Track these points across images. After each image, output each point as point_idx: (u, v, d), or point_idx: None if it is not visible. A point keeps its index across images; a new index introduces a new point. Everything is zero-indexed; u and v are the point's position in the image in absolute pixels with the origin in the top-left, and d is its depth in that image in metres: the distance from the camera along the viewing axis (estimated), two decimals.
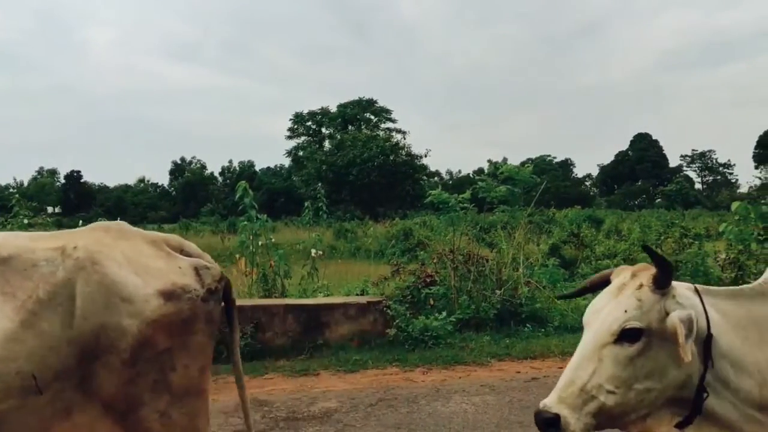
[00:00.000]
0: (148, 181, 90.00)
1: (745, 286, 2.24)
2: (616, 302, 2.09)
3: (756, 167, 69.57)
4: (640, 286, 2.08)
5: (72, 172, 79.36)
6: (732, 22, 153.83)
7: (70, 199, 72.85)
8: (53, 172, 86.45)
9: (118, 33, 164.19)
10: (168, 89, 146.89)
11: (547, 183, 12.57)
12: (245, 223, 9.80)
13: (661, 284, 2.06)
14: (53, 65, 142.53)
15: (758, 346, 2.12)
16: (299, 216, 28.46)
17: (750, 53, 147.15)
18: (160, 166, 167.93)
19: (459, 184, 57.30)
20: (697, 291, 2.14)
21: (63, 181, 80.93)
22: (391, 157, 50.90)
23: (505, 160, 53.69)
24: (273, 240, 10.38)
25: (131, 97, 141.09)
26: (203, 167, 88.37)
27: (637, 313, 2.03)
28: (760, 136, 70.96)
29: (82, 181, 79.49)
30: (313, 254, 10.36)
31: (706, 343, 2.04)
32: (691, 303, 2.08)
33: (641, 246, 2.14)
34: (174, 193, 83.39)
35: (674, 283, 2.15)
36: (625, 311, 2.04)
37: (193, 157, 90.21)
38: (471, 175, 69.09)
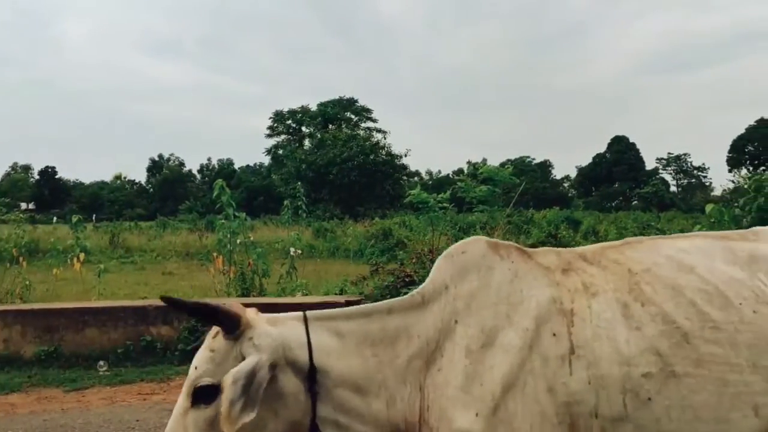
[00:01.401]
0: (124, 177, 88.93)
1: (395, 299, 2.09)
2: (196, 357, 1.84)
3: (729, 171, 70.84)
4: (216, 333, 1.84)
5: (46, 167, 78.24)
6: (708, 27, 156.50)
7: (44, 196, 71.71)
8: (27, 168, 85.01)
9: (95, 27, 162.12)
10: (146, 85, 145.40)
11: (526, 184, 12.65)
12: (223, 221, 9.73)
13: (227, 330, 1.80)
14: (28, 59, 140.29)
15: (388, 362, 1.94)
16: (278, 215, 28.34)
17: (725, 58, 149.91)
18: (137, 163, 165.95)
19: (439, 184, 57.42)
20: (305, 319, 1.94)
21: (37, 177, 79.64)
22: (371, 157, 50.81)
23: (484, 160, 54.04)
24: (251, 238, 10.33)
25: (108, 92, 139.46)
26: (182, 164, 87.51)
27: (210, 367, 1.78)
28: (734, 140, 72.26)
29: (56, 177, 78.30)
30: (291, 253, 10.33)
31: (311, 377, 1.84)
32: (279, 338, 1.85)
33: (161, 298, 1.84)
34: (151, 190, 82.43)
35: (279, 315, 1.97)
36: (196, 368, 1.80)
37: (172, 154, 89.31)
38: (450, 176, 69.36)
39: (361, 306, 2.05)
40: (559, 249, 2.25)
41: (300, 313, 1.97)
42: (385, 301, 2.07)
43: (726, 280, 2.07)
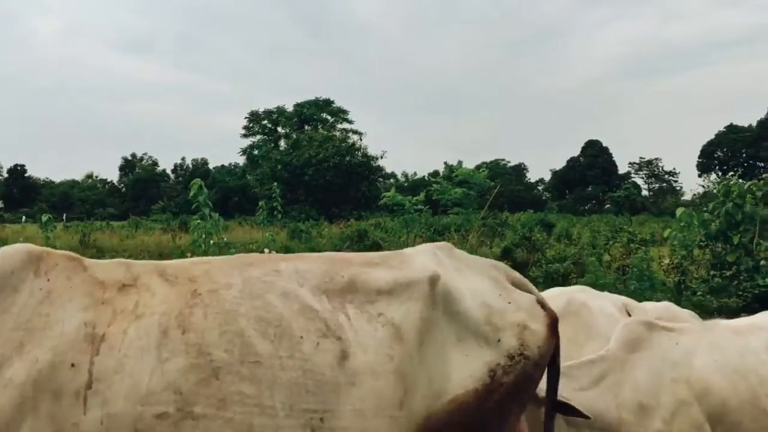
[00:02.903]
0: (96, 176, 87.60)
1: None
2: None
3: (699, 176, 72.23)
4: None
5: (16, 165, 76.68)
6: (680, 34, 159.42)
7: (12, 194, 70.29)
8: None
9: (66, 23, 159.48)
10: (120, 83, 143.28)
11: (501, 187, 12.77)
12: (198, 221, 9.64)
13: None
14: None
15: None
16: (253, 215, 28.14)
17: (696, 65, 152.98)
18: (109, 161, 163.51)
19: (414, 186, 57.51)
20: None
21: (6, 175, 78.06)
22: (347, 158, 50.78)
23: (460, 163, 54.24)
24: (226, 239, 10.25)
25: (80, 89, 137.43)
26: (155, 164, 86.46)
27: None
28: (704, 146, 73.77)
29: (26, 175, 76.81)
30: (266, 254, 10.27)
31: None
32: None
33: None
34: (124, 189, 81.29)
35: None
36: None
37: (145, 153, 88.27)
38: (426, 178, 69.59)
39: None
40: (136, 263, 1.98)
41: None
42: None
43: (298, 309, 1.88)
